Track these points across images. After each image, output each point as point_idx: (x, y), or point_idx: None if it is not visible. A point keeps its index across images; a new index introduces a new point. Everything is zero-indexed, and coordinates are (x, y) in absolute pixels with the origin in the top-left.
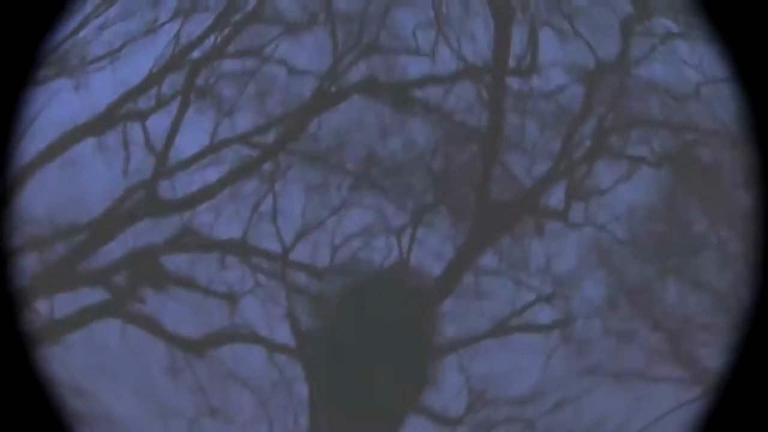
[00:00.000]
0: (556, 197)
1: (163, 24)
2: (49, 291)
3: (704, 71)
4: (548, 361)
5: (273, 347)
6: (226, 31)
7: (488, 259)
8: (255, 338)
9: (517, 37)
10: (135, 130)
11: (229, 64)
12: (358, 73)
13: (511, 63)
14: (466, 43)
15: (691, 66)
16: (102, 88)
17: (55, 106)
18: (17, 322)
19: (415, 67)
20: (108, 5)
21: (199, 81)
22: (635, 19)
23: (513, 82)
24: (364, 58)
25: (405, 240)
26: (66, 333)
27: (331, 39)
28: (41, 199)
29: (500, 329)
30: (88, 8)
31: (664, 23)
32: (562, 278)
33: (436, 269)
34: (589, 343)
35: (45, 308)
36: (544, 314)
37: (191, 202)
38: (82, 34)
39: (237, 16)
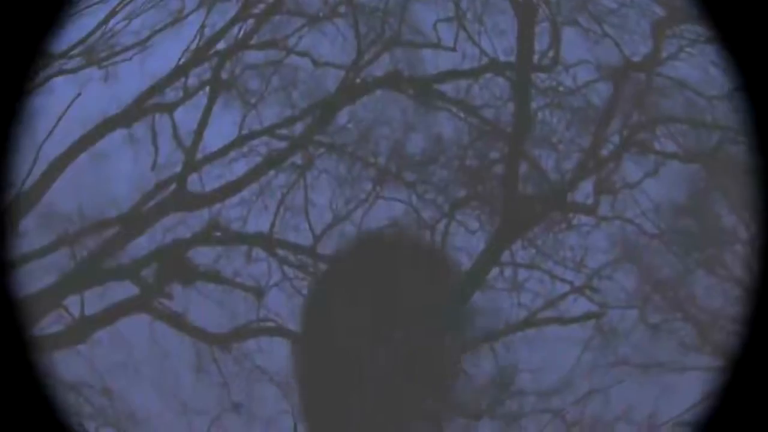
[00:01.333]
0: (584, 192)
1: (188, 14)
2: (78, 287)
3: (730, 77)
4: (582, 353)
5: (299, 340)
6: (250, 21)
7: (518, 253)
8: (281, 331)
9: (541, 33)
10: (163, 122)
11: (253, 56)
12: (381, 66)
13: (535, 58)
14: (486, 38)
15: (720, 68)
16: (130, 79)
17: (83, 98)
18: (21, 327)
19: (437, 61)
20: None
21: (225, 73)
22: (665, 23)
23: (538, 78)
24: (387, 51)
25: (437, 234)
26: (93, 330)
27: (354, 31)
28: (71, 194)
29: (531, 321)
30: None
31: (695, 29)
32: (596, 271)
33: (466, 263)
34: (618, 335)
35: (73, 306)
36: (575, 307)
37: (220, 195)
38: (111, 23)
39: (259, 7)
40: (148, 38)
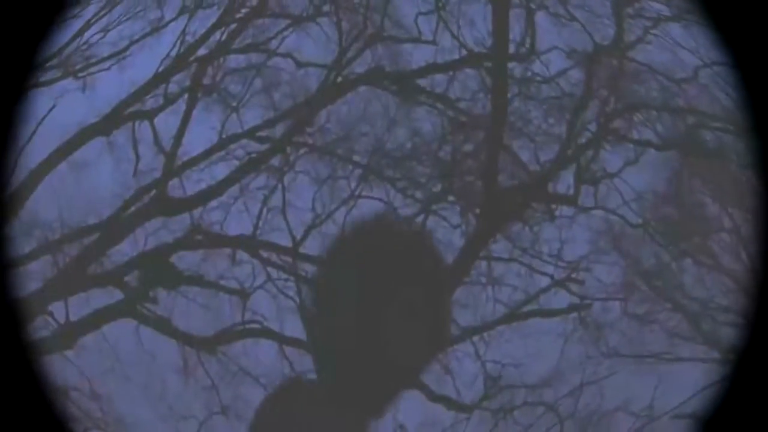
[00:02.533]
0: (564, 182)
1: (168, 22)
2: (62, 294)
3: (700, 55)
4: (565, 345)
5: (284, 341)
6: (232, 26)
7: (500, 246)
8: (266, 333)
9: (516, 22)
10: (143, 129)
11: (235, 60)
12: (363, 63)
13: (511, 48)
14: (467, 29)
15: (687, 49)
16: (109, 89)
17: (61, 108)
18: (19, 329)
19: (419, 55)
20: (112, 6)
21: (206, 78)
22: (625, 2)
23: (514, 68)
24: (370, 48)
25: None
26: (80, 336)
27: (337, 30)
28: (52, 202)
29: (514, 315)
30: (91, 9)
31: (656, 6)
32: (576, 263)
33: (447, 258)
34: (607, 326)
35: (59, 312)
36: (559, 299)
37: (201, 199)
38: (86, 35)
39: (242, 12)
40: (126, 48)
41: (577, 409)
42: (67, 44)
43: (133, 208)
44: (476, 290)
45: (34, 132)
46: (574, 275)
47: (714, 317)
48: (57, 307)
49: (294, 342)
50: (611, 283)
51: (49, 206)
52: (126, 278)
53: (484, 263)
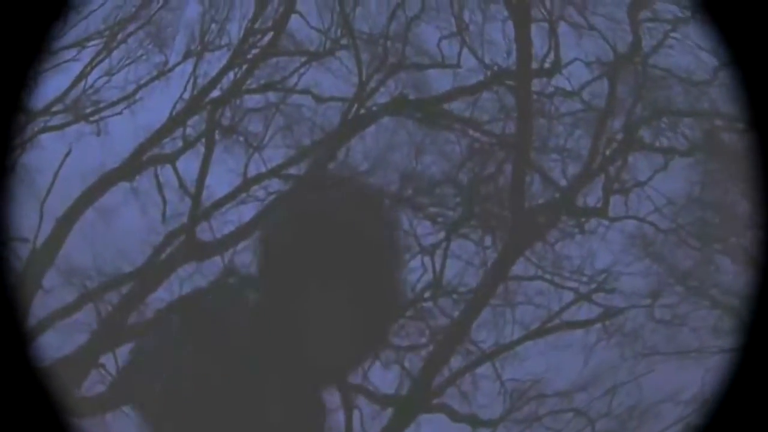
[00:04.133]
0: (594, 194)
1: (174, 66)
2: (109, 345)
3: (719, 55)
4: (591, 354)
5: None
6: (245, 67)
7: (524, 266)
8: None
9: (537, 37)
10: (165, 173)
11: (252, 100)
12: (386, 93)
13: (534, 64)
14: (490, 49)
15: (705, 50)
16: (123, 133)
17: (77, 153)
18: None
19: (443, 80)
20: (110, 49)
21: (224, 119)
22: (638, 5)
23: (538, 84)
24: (392, 77)
25: (439, 254)
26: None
27: (356, 62)
28: (84, 250)
29: (537, 333)
30: (88, 52)
31: (670, 8)
32: (602, 275)
33: (474, 280)
34: (636, 332)
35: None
36: (583, 314)
37: (230, 242)
38: (90, 79)
39: (252, 52)
40: (135, 92)
41: (612, 408)
42: (71, 87)
43: (164, 254)
44: (500, 311)
45: (54, 178)
46: (602, 286)
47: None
48: (106, 359)
49: None
50: (639, 291)
51: (82, 254)
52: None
53: (511, 283)
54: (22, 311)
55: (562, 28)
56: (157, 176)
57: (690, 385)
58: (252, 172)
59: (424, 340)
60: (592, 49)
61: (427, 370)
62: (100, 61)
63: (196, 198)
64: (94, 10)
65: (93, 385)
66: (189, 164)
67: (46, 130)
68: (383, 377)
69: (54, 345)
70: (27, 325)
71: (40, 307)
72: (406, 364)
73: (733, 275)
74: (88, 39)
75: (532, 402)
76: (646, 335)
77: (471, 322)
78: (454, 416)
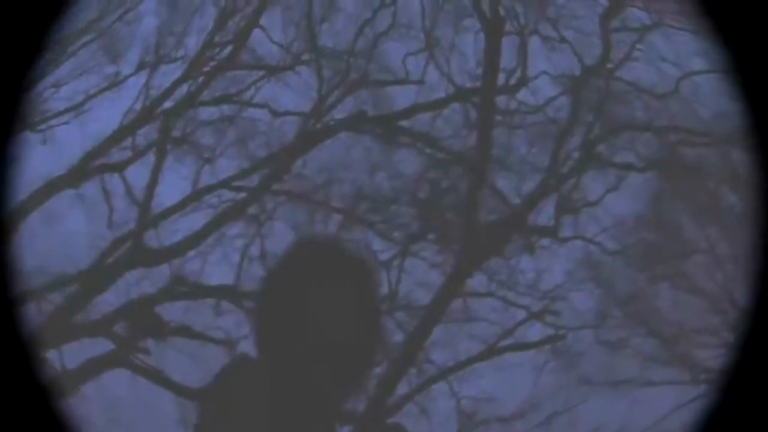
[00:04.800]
0: (545, 213)
1: (127, 77)
2: (53, 342)
3: (681, 65)
4: (539, 377)
5: None
6: (200, 79)
7: (477, 281)
8: None
9: (507, 51)
10: (113, 181)
11: (206, 112)
12: (346, 109)
13: (501, 79)
14: (457, 64)
15: (669, 61)
16: (71, 142)
17: (23, 160)
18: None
19: (405, 96)
20: (60, 61)
21: (177, 130)
22: (611, 14)
23: (502, 99)
24: (352, 94)
25: (393, 273)
26: (78, 384)
27: (317, 77)
28: (29, 253)
29: (490, 351)
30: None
31: (638, 14)
32: (552, 293)
33: (425, 298)
34: (580, 355)
35: (54, 359)
36: (535, 331)
37: (179, 249)
38: (37, 89)
39: (210, 65)
40: (84, 102)
41: None
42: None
43: (111, 259)
44: (453, 328)
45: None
46: (550, 306)
47: (689, 339)
48: (52, 355)
49: None
50: (586, 312)
51: (26, 257)
52: (114, 328)
53: (461, 300)
54: None
55: (535, 42)
56: (104, 184)
57: (618, 416)
58: (203, 183)
59: (378, 357)
60: (562, 63)
61: (383, 389)
62: (51, 72)
63: (145, 204)
64: None
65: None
66: (138, 174)
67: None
68: None
69: None
70: None
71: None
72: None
73: (670, 301)
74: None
75: (480, 425)
76: (585, 361)
77: (425, 338)
78: None
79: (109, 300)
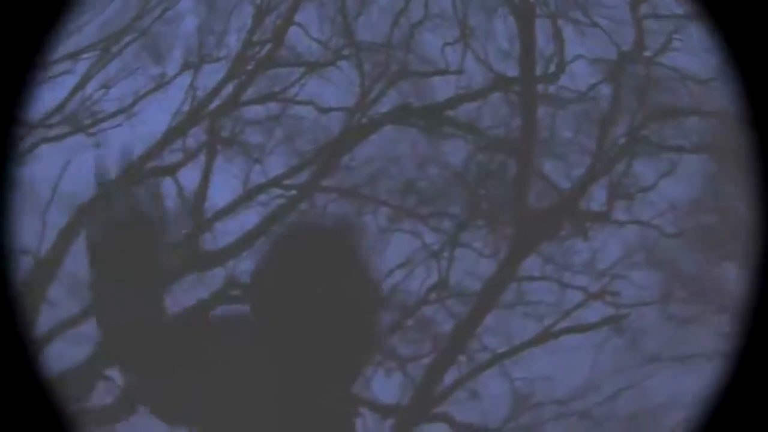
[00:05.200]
0: (598, 199)
1: (172, 78)
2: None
3: (717, 53)
4: (598, 357)
5: None
6: (244, 78)
7: (531, 265)
8: None
9: (541, 38)
10: (166, 185)
11: (252, 111)
12: (388, 102)
13: (539, 66)
14: (494, 52)
15: (707, 49)
16: (122, 145)
17: (77, 164)
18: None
19: (447, 87)
20: (105, 61)
21: (224, 131)
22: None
23: (542, 86)
24: (394, 86)
25: (443, 262)
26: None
27: (359, 72)
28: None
29: (546, 334)
30: (83, 65)
31: (669, 3)
32: (610, 273)
33: (476, 286)
34: (645, 332)
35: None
36: (592, 312)
37: (232, 251)
38: (87, 90)
39: (251, 64)
40: (134, 103)
41: (615, 412)
42: (68, 99)
43: (167, 265)
44: (507, 313)
45: (55, 189)
46: (608, 286)
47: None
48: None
49: None
50: (648, 290)
51: (84, 265)
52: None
53: (516, 285)
54: (26, 324)
55: (565, 27)
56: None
57: (690, 389)
58: (254, 182)
59: (427, 347)
60: (594, 48)
61: (430, 377)
62: (96, 73)
63: (197, 207)
64: (88, 22)
65: (100, 396)
66: (189, 176)
67: (44, 141)
68: (385, 386)
69: (60, 356)
70: (32, 337)
71: (45, 319)
72: (409, 372)
73: (736, 280)
74: (82, 51)
75: (534, 408)
76: (650, 338)
77: (477, 325)
78: (453, 425)
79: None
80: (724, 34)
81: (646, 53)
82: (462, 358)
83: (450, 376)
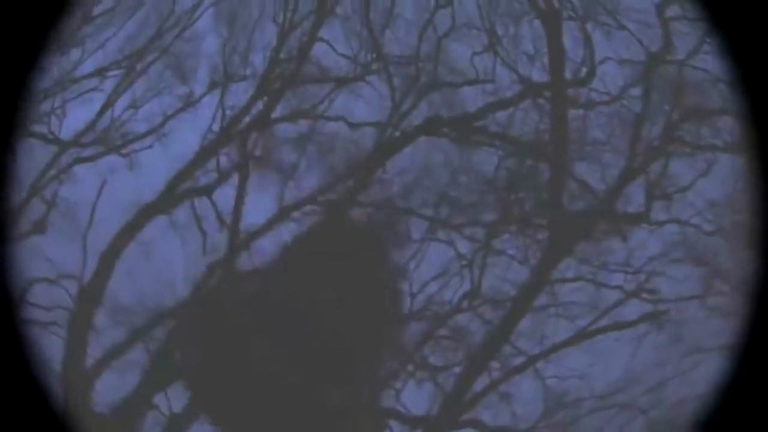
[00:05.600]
0: (636, 200)
1: (200, 97)
2: (161, 385)
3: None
4: (638, 351)
5: None
6: (273, 96)
7: (567, 268)
8: None
9: (569, 42)
10: (202, 204)
11: (283, 129)
12: (419, 114)
13: (569, 70)
14: (523, 60)
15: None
16: (155, 165)
17: (112, 185)
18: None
19: (478, 97)
20: (131, 80)
21: (257, 149)
22: (668, 3)
23: (573, 90)
24: (425, 98)
25: (477, 270)
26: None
27: (388, 85)
28: (130, 285)
29: (583, 334)
30: (109, 83)
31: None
32: (648, 271)
33: (512, 291)
34: (686, 326)
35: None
36: (632, 311)
37: (269, 269)
38: (116, 110)
39: (279, 81)
40: (163, 123)
41: (661, 400)
42: (98, 118)
43: (206, 286)
44: (542, 316)
45: (93, 211)
46: (646, 284)
47: None
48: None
49: None
50: (687, 286)
51: (128, 289)
52: None
53: (551, 288)
54: (77, 353)
55: (592, 30)
56: (194, 208)
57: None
58: (288, 199)
59: (459, 356)
60: (622, 50)
61: (462, 384)
62: (123, 92)
63: (233, 226)
64: (108, 39)
65: (150, 428)
66: (224, 195)
67: (78, 161)
68: (414, 396)
69: (111, 387)
70: (86, 368)
71: (95, 347)
72: (440, 382)
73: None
74: (107, 69)
75: (571, 405)
76: (691, 332)
77: (511, 330)
78: (484, 429)
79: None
80: (724, 35)
81: (677, 56)
82: (495, 364)
83: (482, 382)
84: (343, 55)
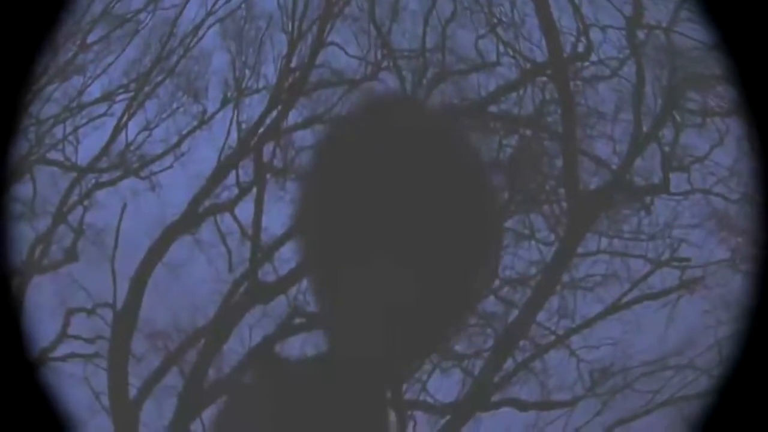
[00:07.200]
0: (649, 174)
1: (214, 114)
2: (197, 409)
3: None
4: (673, 319)
5: None
6: (287, 105)
7: (592, 243)
8: None
9: (564, 18)
10: (225, 220)
11: (299, 136)
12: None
13: (567, 48)
14: (525, 40)
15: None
16: (176, 185)
17: (134, 207)
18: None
19: (487, 81)
20: (141, 100)
21: (275, 159)
22: None
23: (576, 67)
24: (436, 88)
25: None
26: None
27: (399, 80)
28: (161, 307)
29: (615, 307)
30: (119, 107)
31: None
32: (680, 241)
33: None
34: (723, 287)
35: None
36: (665, 279)
37: (293, 280)
38: (131, 133)
39: (292, 90)
40: (180, 142)
41: (721, 359)
42: (111, 142)
43: (232, 302)
44: (572, 294)
45: (117, 235)
46: (676, 254)
47: None
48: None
49: None
50: (721, 254)
51: (160, 313)
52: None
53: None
54: (121, 385)
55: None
56: (218, 225)
57: None
58: None
59: (487, 342)
60: (612, 19)
61: (490, 367)
62: (133, 114)
63: (255, 239)
64: (110, 64)
65: None
66: (246, 208)
67: (99, 186)
68: (440, 383)
69: (154, 414)
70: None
71: (136, 376)
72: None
73: None
74: (114, 93)
75: (616, 375)
76: (730, 296)
77: (538, 310)
78: (521, 406)
79: (235, 347)
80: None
81: (656, 22)
82: (525, 343)
83: (513, 362)
84: (353, 56)
